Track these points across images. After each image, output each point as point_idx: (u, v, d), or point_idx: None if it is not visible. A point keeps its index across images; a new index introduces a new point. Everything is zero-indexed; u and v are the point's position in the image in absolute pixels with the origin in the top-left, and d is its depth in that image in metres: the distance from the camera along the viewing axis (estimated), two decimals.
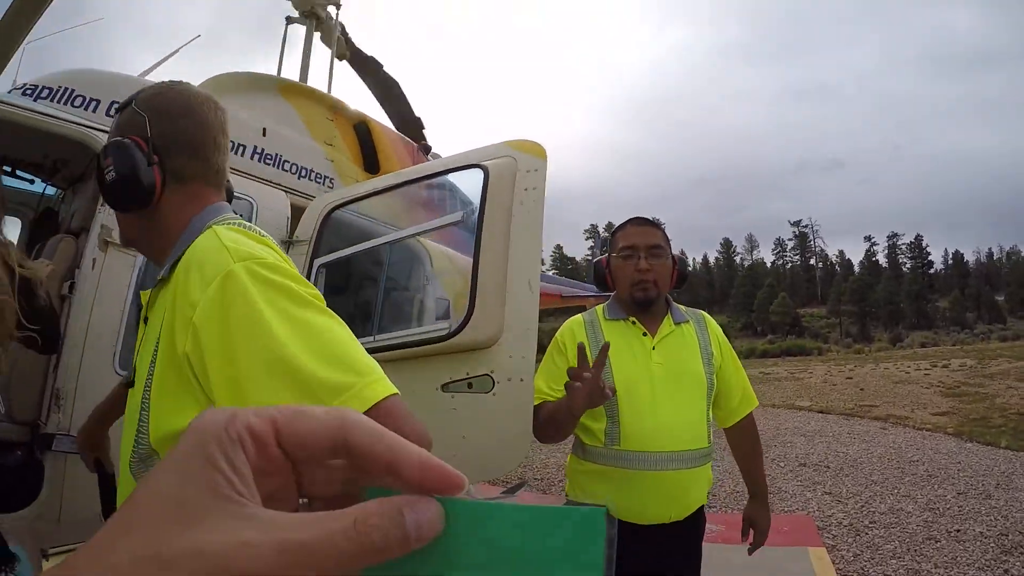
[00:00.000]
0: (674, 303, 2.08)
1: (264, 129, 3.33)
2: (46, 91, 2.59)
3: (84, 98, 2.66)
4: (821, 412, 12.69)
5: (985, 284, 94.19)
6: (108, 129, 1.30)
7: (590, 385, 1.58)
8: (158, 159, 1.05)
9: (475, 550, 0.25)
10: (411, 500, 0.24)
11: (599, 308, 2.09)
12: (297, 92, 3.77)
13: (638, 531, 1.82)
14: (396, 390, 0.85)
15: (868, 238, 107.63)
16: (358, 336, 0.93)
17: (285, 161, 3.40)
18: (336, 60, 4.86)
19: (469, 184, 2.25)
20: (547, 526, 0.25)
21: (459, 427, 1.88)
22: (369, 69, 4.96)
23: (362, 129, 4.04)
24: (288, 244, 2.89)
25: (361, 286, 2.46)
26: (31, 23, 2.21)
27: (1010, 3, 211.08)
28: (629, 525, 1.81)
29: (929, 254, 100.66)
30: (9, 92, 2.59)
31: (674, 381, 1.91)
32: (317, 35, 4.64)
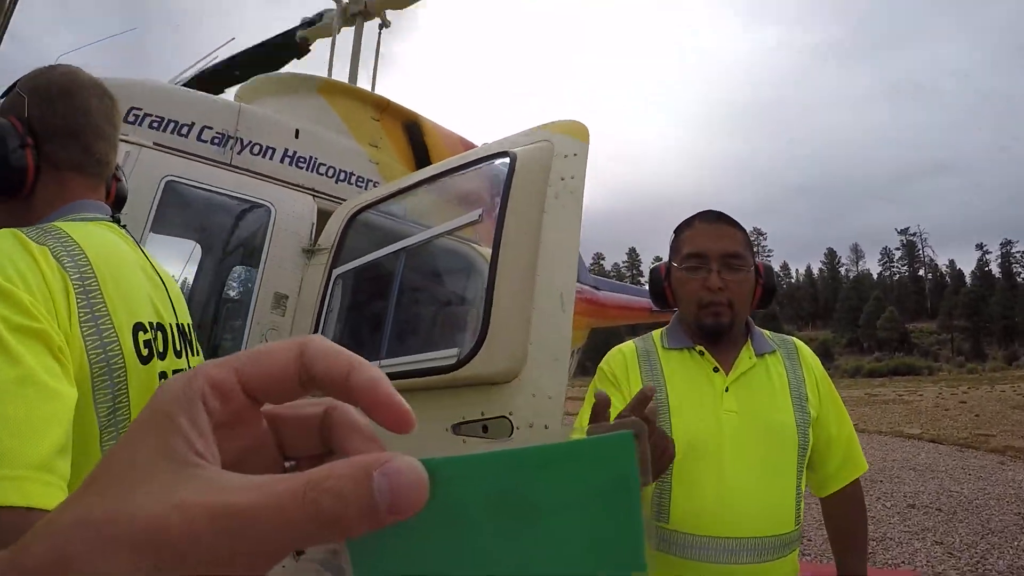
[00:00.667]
0: (756, 327, 1.54)
1: (297, 131, 3.11)
2: None
3: None
4: (933, 442, 11.93)
5: None
6: None
7: (653, 443, 1.07)
8: (32, 143, 0.96)
9: (480, 516, 0.20)
10: (383, 458, 0.20)
11: (656, 334, 1.57)
12: (339, 92, 3.54)
13: None
14: (24, 501, 0.58)
15: (980, 246, 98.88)
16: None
17: (320, 164, 3.16)
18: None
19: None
20: (568, 465, 0.20)
21: None
22: None
23: (413, 128, 3.76)
24: (310, 253, 2.61)
25: (387, 298, 2.12)
26: None
27: None
28: None
29: None
30: None
31: (753, 437, 1.36)
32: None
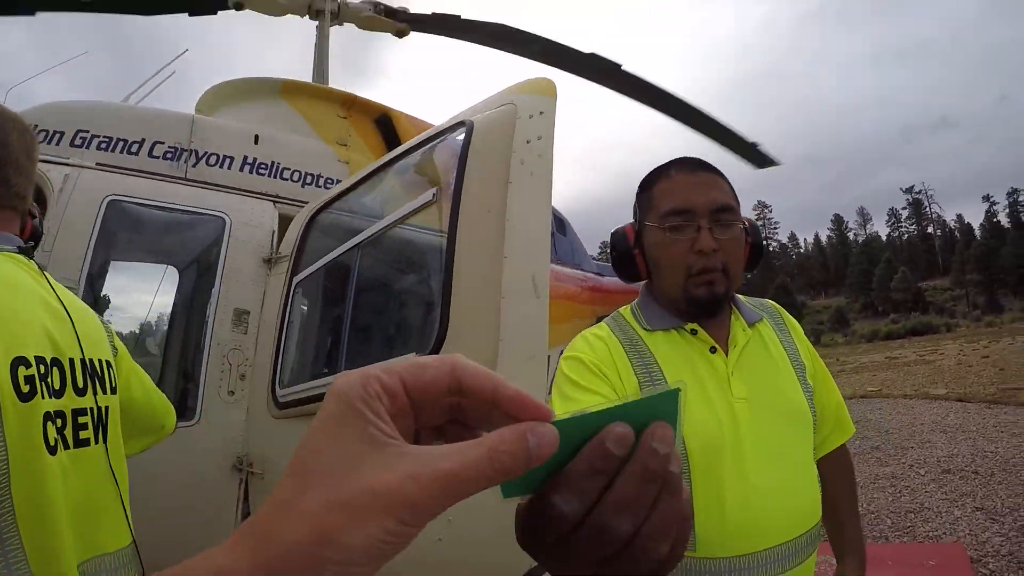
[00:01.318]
0: (735, 293, 1.27)
1: (256, 137, 2.94)
2: None
3: (47, 132, 2.55)
4: (960, 400, 11.33)
5: None
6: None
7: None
8: None
9: (574, 452, 0.31)
10: (531, 425, 0.29)
11: (626, 314, 1.28)
12: (301, 92, 3.37)
13: None
14: None
15: (987, 198, 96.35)
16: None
17: (284, 169, 2.99)
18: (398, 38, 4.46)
19: None
20: (632, 416, 0.31)
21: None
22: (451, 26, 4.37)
23: (384, 122, 3.55)
24: (271, 262, 2.40)
25: (346, 301, 1.91)
26: None
27: None
28: None
29: None
30: None
31: (768, 425, 1.13)
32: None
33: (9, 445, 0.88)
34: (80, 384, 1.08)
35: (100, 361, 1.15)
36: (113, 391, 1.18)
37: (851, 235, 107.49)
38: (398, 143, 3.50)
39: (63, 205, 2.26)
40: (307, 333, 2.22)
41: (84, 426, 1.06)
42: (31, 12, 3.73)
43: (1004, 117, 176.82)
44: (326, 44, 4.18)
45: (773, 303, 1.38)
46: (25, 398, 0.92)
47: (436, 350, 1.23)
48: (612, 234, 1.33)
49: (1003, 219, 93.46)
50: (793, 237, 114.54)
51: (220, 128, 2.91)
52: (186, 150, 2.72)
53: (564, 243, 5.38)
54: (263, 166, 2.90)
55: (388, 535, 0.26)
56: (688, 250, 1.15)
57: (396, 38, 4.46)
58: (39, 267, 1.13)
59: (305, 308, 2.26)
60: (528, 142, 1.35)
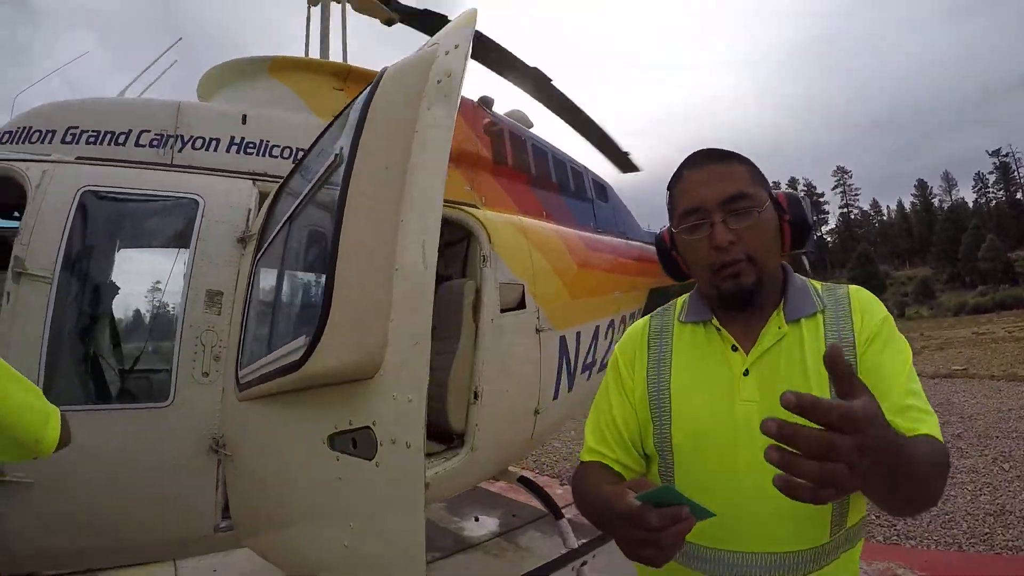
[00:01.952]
0: (797, 279, 1.22)
1: (244, 116, 2.88)
2: (6, 136, 2.61)
3: (40, 132, 2.61)
4: None
5: None
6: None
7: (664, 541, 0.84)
8: None
9: None
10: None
11: (679, 303, 1.30)
12: (292, 67, 3.27)
13: None
14: None
15: None
16: None
17: (274, 147, 2.92)
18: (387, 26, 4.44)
19: None
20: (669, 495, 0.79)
21: (346, 507, 1.10)
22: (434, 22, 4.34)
23: None
24: (244, 242, 2.33)
25: (280, 282, 1.81)
26: None
27: None
28: None
29: None
30: None
31: None
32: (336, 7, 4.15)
33: None
34: None
35: None
36: None
37: (936, 201, 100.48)
38: None
39: (39, 200, 2.30)
40: (261, 313, 2.15)
41: None
42: None
43: None
44: (327, 24, 4.11)
45: (852, 288, 1.22)
46: None
47: (319, 335, 1.09)
48: (656, 239, 1.39)
49: None
50: (876, 204, 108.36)
51: (207, 111, 2.89)
52: (172, 136, 2.72)
53: (605, 209, 5.04)
54: (251, 145, 2.84)
55: None
56: (707, 248, 1.14)
57: (385, 27, 4.42)
58: None
59: (264, 288, 2.19)
60: (439, 82, 1.18)
